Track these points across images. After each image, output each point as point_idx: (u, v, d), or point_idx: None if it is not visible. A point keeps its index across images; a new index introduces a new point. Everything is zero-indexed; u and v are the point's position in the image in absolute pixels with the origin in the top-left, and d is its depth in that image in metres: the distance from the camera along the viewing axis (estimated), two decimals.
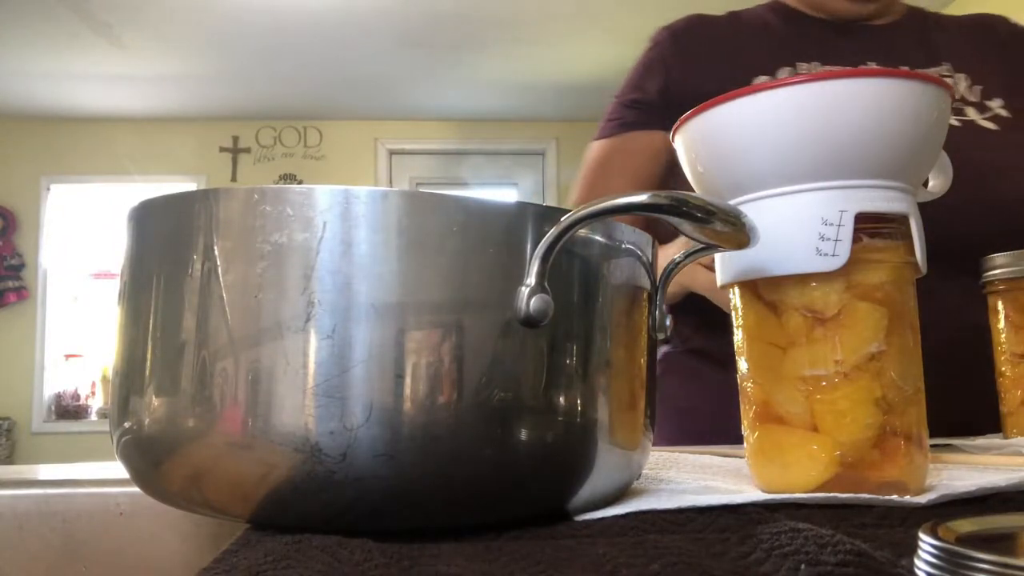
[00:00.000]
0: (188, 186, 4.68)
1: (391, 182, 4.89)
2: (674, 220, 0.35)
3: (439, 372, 0.32)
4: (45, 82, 4.24)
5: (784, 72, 0.91)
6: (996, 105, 0.89)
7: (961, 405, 0.67)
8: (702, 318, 0.84)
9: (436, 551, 0.31)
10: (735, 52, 0.95)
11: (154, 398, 0.35)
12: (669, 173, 0.95)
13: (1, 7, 3.40)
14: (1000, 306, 0.66)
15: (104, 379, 4.76)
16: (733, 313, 0.46)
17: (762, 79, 0.89)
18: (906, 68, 0.90)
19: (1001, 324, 0.66)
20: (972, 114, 0.88)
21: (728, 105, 0.43)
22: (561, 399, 0.35)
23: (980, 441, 0.60)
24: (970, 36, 0.96)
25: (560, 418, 0.35)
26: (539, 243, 0.34)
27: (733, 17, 1.01)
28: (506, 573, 0.28)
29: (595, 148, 1.01)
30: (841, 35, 0.93)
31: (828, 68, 0.90)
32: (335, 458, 0.31)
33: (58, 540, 0.58)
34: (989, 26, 0.98)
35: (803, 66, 0.90)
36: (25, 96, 4.41)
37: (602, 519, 0.37)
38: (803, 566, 0.27)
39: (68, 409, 4.74)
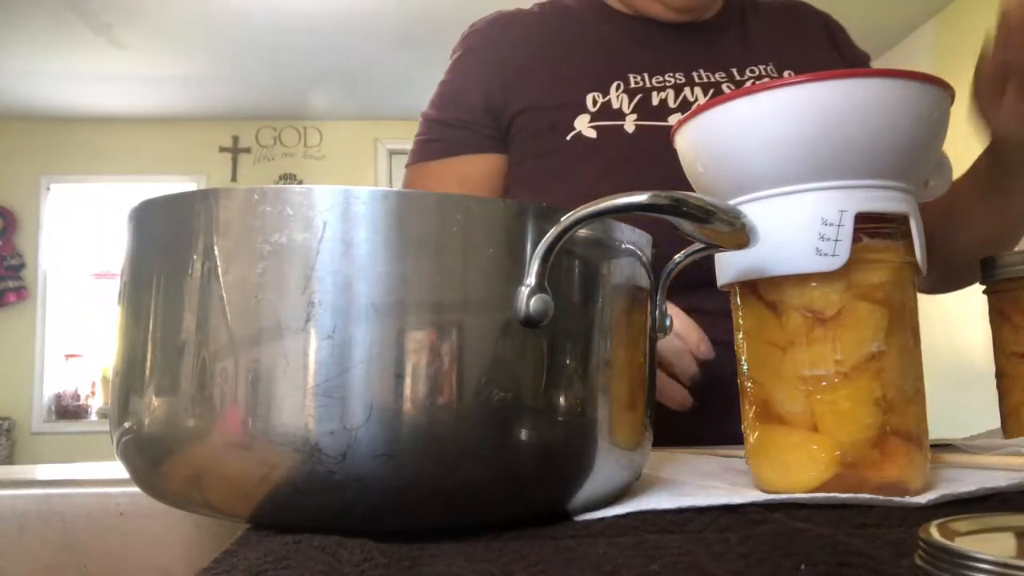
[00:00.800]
0: (188, 186, 4.68)
1: (391, 182, 4.89)
2: (674, 220, 0.35)
3: (439, 372, 0.32)
4: (45, 82, 4.24)
5: (614, 86, 0.85)
6: None
7: None
8: None
9: (436, 551, 0.31)
10: (559, 61, 0.88)
11: (154, 398, 0.35)
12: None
13: (1, 7, 3.40)
14: (1000, 306, 0.66)
15: (104, 379, 4.76)
16: (733, 313, 0.46)
17: (594, 95, 0.85)
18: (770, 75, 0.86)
19: (1001, 328, 0.66)
20: None
21: (728, 105, 0.43)
22: (561, 399, 0.35)
23: (980, 441, 0.60)
24: (786, 20, 0.94)
25: (560, 418, 0.35)
26: (539, 243, 0.34)
27: (544, 13, 0.93)
28: (506, 573, 0.28)
29: (414, 173, 0.91)
30: (666, 37, 0.88)
31: (657, 80, 0.85)
32: (335, 458, 0.31)
33: (58, 540, 0.58)
34: (800, 14, 0.96)
35: (633, 78, 0.86)
36: (25, 96, 4.41)
37: (602, 519, 0.37)
38: (803, 566, 0.27)
39: (68, 409, 4.74)
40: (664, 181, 0.68)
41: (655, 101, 0.85)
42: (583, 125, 0.84)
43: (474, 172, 0.89)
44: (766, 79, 0.87)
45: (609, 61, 0.87)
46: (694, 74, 0.87)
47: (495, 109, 0.88)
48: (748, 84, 0.86)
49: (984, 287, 0.68)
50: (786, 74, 0.88)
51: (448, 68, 0.94)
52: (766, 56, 0.89)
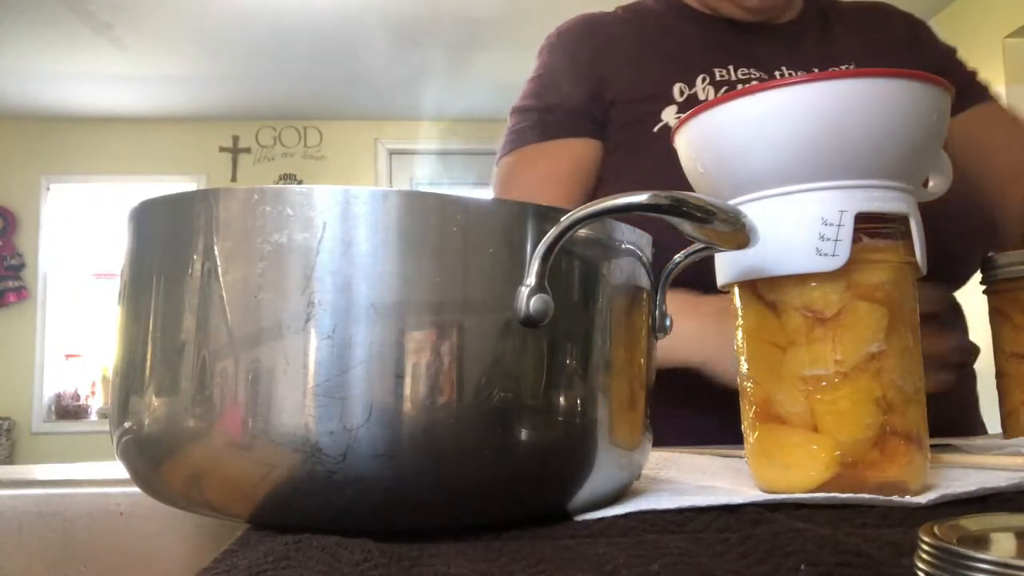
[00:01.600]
0: (188, 186, 4.68)
1: (391, 182, 4.89)
2: (674, 220, 0.35)
3: (439, 372, 0.32)
4: (45, 82, 4.24)
5: (700, 78, 0.86)
6: None
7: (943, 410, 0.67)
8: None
9: (436, 551, 0.31)
10: (645, 57, 0.90)
11: (154, 398, 0.35)
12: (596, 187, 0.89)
13: (1, 7, 3.40)
14: (1000, 306, 0.66)
15: (104, 379, 4.76)
16: (733, 313, 0.46)
17: (680, 86, 0.86)
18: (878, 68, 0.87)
19: (1003, 327, 0.66)
20: None
21: (728, 105, 0.43)
22: (561, 399, 0.35)
23: (980, 441, 0.60)
24: (869, 25, 0.95)
25: (560, 418, 0.35)
26: (539, 243, 0.34)
27: (629, 15, 0.95)
28: (506, 573, 0.28)
29: (508, 163, 0.90)
30: (747, 37, 0.90)
31: (743, 72, 0.86)
32: (335, 458, 0.31)
33: (58, 540, 0.58)
34: (884, 15, 0.96)
35: (718, 72, 0.87)
36: (25, 96, 4.41)
37: (602, 519, 0.37)
38: (803, 566, 0.27)
39: (68, 409, 4.74)
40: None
41: None
42: (670, 116, 0.85)
43: (571, 156, 0.88)
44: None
45: (693, 56, 0.89)
46: (776, 73, 0.87)
47: (589, 101, 0.88)
48: None
49: (984, 287, 0.68)
50: None
51: (537, 66, 0.94)
52: (849, 58, 0.90)
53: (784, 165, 0.42)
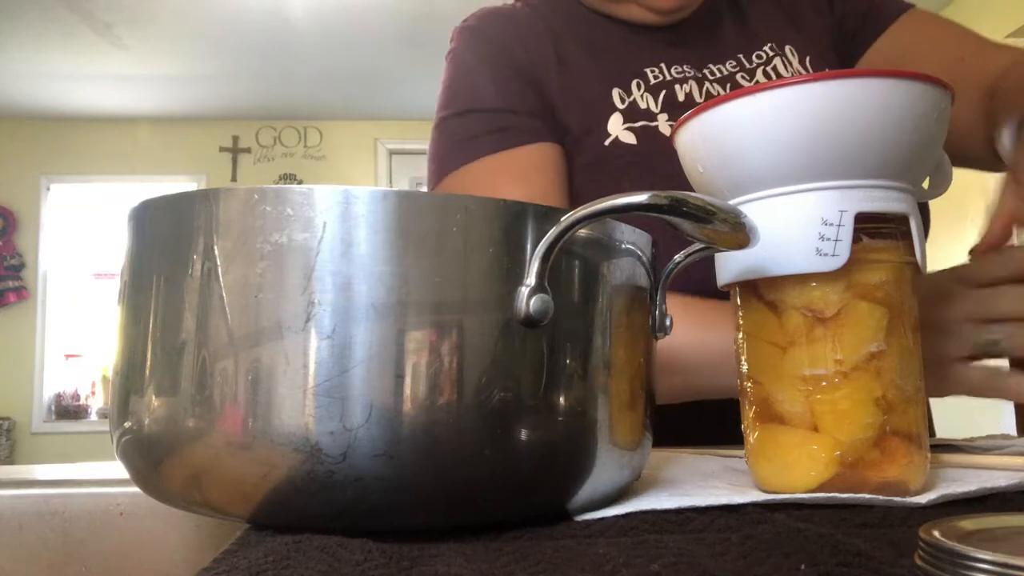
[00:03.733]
0: (188, 186, 4.68)
1: (391, 182, 4.90)
2: (674, 220, 0.35)
3: (439, 372, 0.32)
4: (45, 82, 4.24)
5: (635, 84, 0.80)
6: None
7: None
8: None
9: (436, 551, 0.31)
10: (570, 57, 0.81)
11: (154, 398, 0.35)
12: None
13: (2, 7, 3.40)
14: None
15: (104, 379, 4.76)
16: (733, 313, 0.46)
17: (619, 91, 0.79)
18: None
19: None
20: None
21: (728, 105, 0.43)
22: (561, 399, 0.35)
23: (981, 442, 0.60)
24: (776, 1, 0.91)
25: (560, 418, 0.35)
26: (539, 243, 0.34)
27: (536, 9, 0.86)
28: (506, 573, 0.28)
29: (457, 180, 0.76)
30: (667, 36, 0.84)
31: (676, 71, 0.81)
32: (335, 458, 0.31)
33: (58, 540, 0.58)
34: None
35: (652, 72, 0.81)
36: (25, 96, 4.41)
37: (602, 519, 0.37)
38: (803, 566, 0.27)
39: (68, 409, 4.74)
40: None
41: (680, 96, 0.80)
42: (618, 128, 0.78)
43: (539, 162, 0.76)
44: (776, 58, 0.84)
45: (620, 58, 0.82)
46: (705, 71, 0.83)
47: (541, 102, 0.79)
48: (758, 71, 0.83)
49: None
50: (787, 49, 0.85)
51: (449, 70, 0.84)
52: (766, 37, 0.86)
53: (784, 165, 0.42)
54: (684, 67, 0.82)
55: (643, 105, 0.80)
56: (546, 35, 0.83)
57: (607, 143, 0.77)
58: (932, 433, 0.87)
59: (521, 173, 0.76)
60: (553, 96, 0.80)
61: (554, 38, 0.83)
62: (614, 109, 0.79)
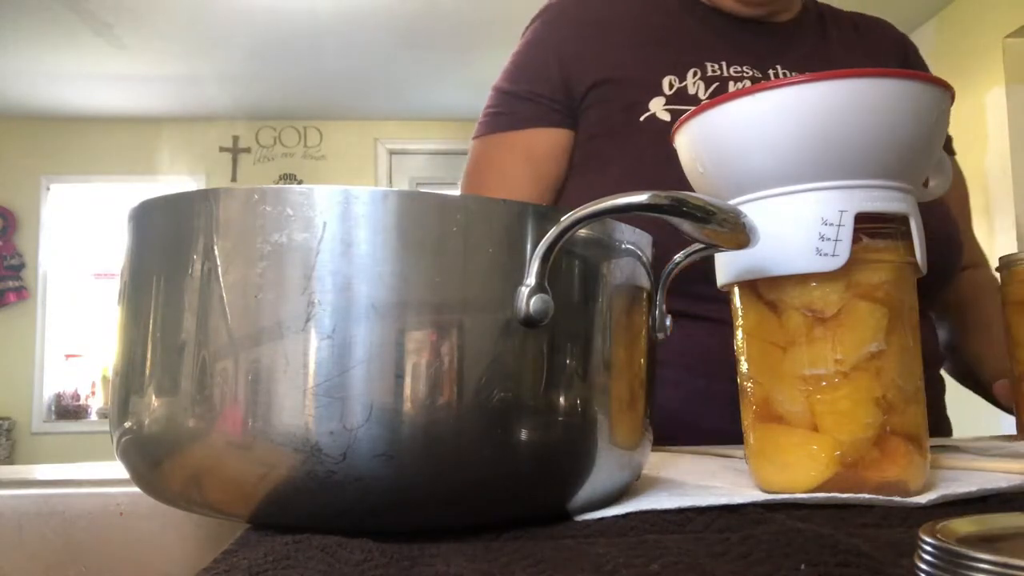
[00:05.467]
0: (188, 186, 4.68)
1: (391, 182, 4.89)
2: (674, 220, 0.35)
3: (439, 372, 0.32)
4: (45, 82, 4.24)
5: (691, 72, 0.84)
6: None
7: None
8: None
9: (436, 551, 0.31)
10: (638, 40, 0.88)
11: (154, 398, 0.35)
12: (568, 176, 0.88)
13: (1, 7, 3.40)
14: (1016, 306, 0.65)
15: (104, 379, 4.76)
16: (733, 313, 0.46)
17: (670, 78, 0.84)
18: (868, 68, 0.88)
19: (1017, 324, 0.65)
20: None
21: (728, 105, 0.43)
22: (561, 399, 0.35)
23: (982, 443, 0.60)
24: (863, 37, 0.95)
25: (560, 418, 0.35)
26: (539, 243, 0.34)
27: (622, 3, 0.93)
28: (506, 573, 0.28)
29: (482, 146, 0.91)
30: (744, 32, 0.88)
31: (735, 70, 0.85)
32: (335, 458, 0.31)
33: (58, 540, 0.58)
34: (879, 29, 0.97)
35: (711, 66, 0.85)
36: (25, 96, 4.41)
37: (602, 519, 0.37)
38: (803, 566, 0.27)
39: (68, 409, 4.74)
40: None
41: (731, 90, 0.83)
42: (658, 108, 0.83)
43: (542, 146, 0.87)
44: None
45: (687, 47, 0.87)
46: (771, 71, 0.86)
47: (569, 80, 0.87)
48: None
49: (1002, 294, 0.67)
50: None
51: (522, 41, 0.93)
52: (838, 63, 0.89)
53: (784, 165, 0.42)
54: (745, 67, 0.86)
55: (692, 91, 0.84)
56: (621, 19, 0.89)
57: (643, 118, 0.83)
58: (949, 431, 0.88)
59: (524, 152, 0.87)
60: (605, 72, 0.86)
61: (628, 22, 0.89)
62: (660, 93, 0.84)
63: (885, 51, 0.95)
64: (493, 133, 0.90)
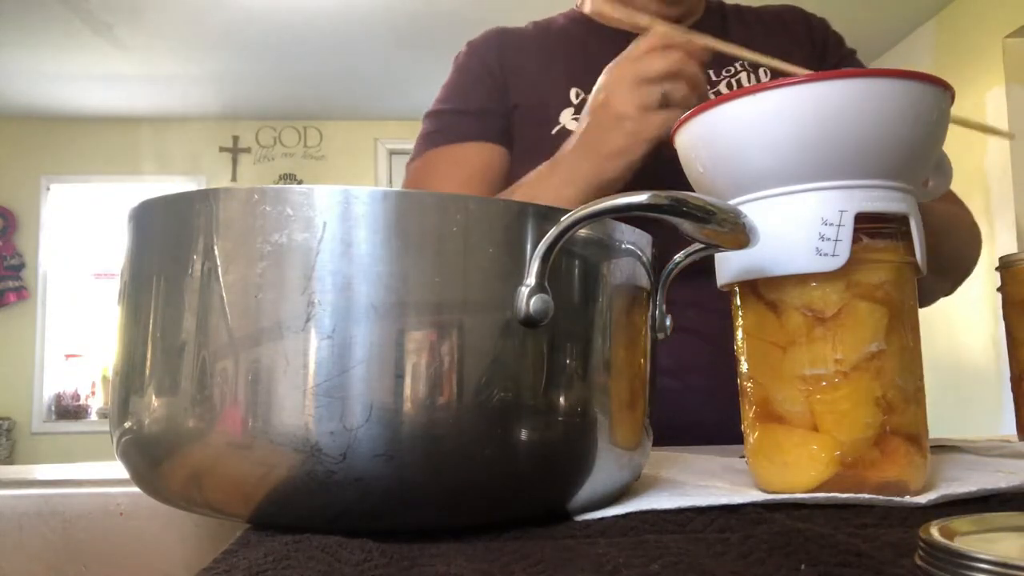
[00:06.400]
0: (188, 186, 4.68)
1: (391, 182, 4.89)
2: (674, 220, 0.35)
3: (439, 372, 0.32)
4: (45, 82, 4.24)
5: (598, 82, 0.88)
6: None
7: None
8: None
9: (436, 551, 0.31)
10: (547, 64, 0.92)
11: (154, 398, 0.35)
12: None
13: (1, 7, 3.40)
14: (1015, 305, 0.65)
15: (104, 379, 4.76)
16: (733, 313, 0.46)
17: (576, 90, 0.87)
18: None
19: (1017, 324, 0.65)
20: None
21: (728, 105, 0.43)
22: (561, 399, 0.35)
23: (982, 443, 0.60)
24: (770, 30, 0.95)
25: (560, 418, 0.35)
26: (539, 243, 0.34)
27: (539, 28, 0.98)
28: (506, 573, 0.28)
29: (418, 167, 0.93)
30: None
31: None
32: (335, 458, 0.31)
33: (58, 540, 0.58)
34: (784, 21, 0.97)
35: None
36: (25, 96, 4.41)
37: (602, 519, 0.37)
38: (803, 566, 0.27)
39: (68, 409, 4.74)
40: (636, 178, 0.68)
41: None
42: (567, 119, 0.87)
43: (479, 161, 0.89)
44: (742, 73, 0.89)
45: (592, 62, 0.88)
46: None
47: (496, 106, 0.91)
48: (722, 83, 0.89)
49: (1001, 288, 0.67)
50: (761, 71, 0.89)
51: (450, 74, 0.97)
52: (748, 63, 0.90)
53: (784, 165, 0.42)
54: None
55: None
56: (533, 49, 0.95)
57: (554, 131, 0.87)
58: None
59: (460, 166, 0.90)
60: (518, 98, 0.91)
61: (539, 51, 0.94)
62: (568, 104, 0.88)
63: (793, 39, 0.95)
64: (429, 150, 0.92)
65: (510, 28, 0.98)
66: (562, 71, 0.90)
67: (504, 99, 0.91)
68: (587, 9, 0.97)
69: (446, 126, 0.92)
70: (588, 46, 0.93)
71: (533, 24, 0.99)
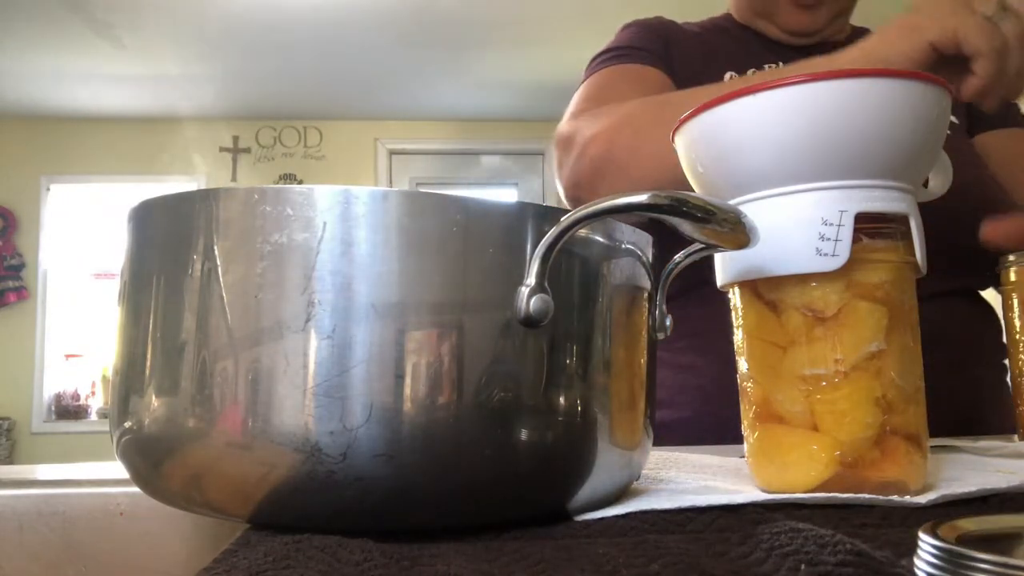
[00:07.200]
0: (188, 186, 4.68)
1: (391, 182, 4.89)
2: (674, 220, 0.35)
3: (439, 372, 0.32)
4: (45, 82, 4.24)
5: (750, 71, 0.91)
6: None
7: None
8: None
9: (436, 551, 0.31)
10: (701, 53, 0.96)
11: (154, 398, 0.35)
12: None
13: (1, 7, 3.40)
14: (1016, 304, 0.65)
15: (104, 379, 4.76)
16: (733, 313, 0.46)
17: (731, 73, 0.91)
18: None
19: (1018, 323, 0.65)
20: None
21: (728, 105, 0.43)
22: (561, 399, 0.35)
23: (983, 443, 0.60)
24: None
25: (560, 418, 0.35)
26: (539, 243, 0.34)
27: (692, 25, 1.02)
28: (506, 573, 0.28)
29: (598, 76, 0.95)
30: (797, 53, 0.93)
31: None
32: (335, 458, 0.31)
33: (58, 540, 0.58)
34: None
35: (768, 66, 0.91)
36: (25, 96, 4.41)
37: (602, 519, 0.37)
38: (803, 566, 0.27)
39: (68, 409, 4.74)
40: None
41: None
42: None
43: (660, 81, 0.91)
44: None
45: (747, 55, 0.94)
46: None
47: (671, 53, 0.95)
48: None
49: (999, 284, 0.67)
50: None
51: (618, 34, 1.00)
52: None
53: (784, 165, 0.42)
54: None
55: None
56: (689, 39, 0.99)
57: None
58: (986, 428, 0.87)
59: (637, 80, 0.91)
60: (676, 69, 0.94)
61: (696, 41, 0.98)
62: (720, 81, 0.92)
63: None
64: (604, 68, 0.94)
65: (666, 20, 1.02)
66: (717, 58, 0.94)
67: (670, 64, 0.93)
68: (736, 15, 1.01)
69: (622, 54, 0.94)
70: (743, 42, 0.97)
71: (685, 23, 1.03)
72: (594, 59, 0.98)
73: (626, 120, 0.79)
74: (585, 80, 0.96)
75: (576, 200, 0.82)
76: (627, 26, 1.01)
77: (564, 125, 0.88)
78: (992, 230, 0.72)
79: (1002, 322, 0.69)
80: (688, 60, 0.95)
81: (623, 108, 0.82)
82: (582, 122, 0.84)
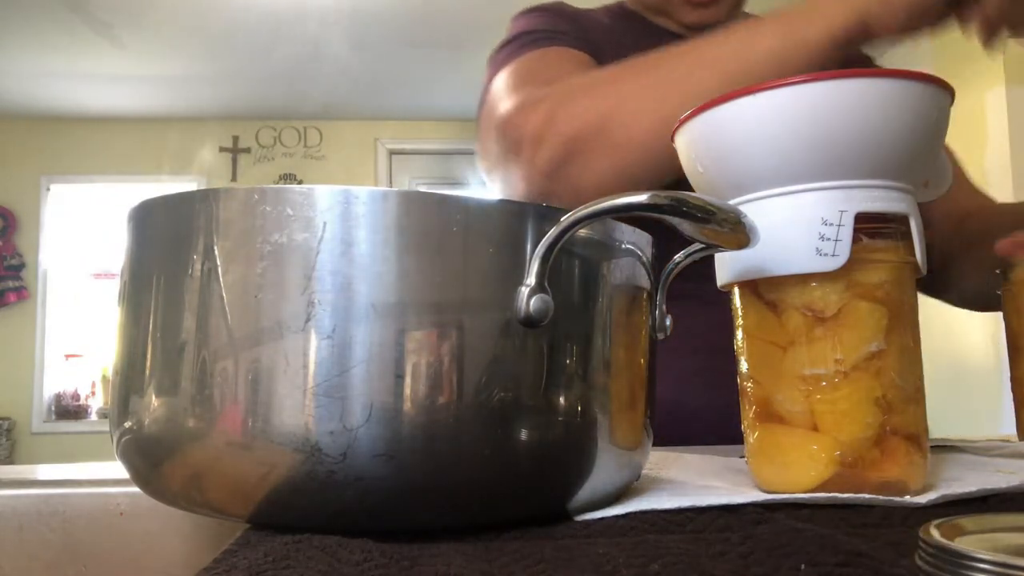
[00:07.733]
0: (188, 186, 4.68)
1: (391, 182, 4.89)
2: (674, 220, 0.35)
3: (439, 372, 0.32)
4: (45, 82, 4.24)
5: None
6: None
7: None
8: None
9: (436, 551, 0.31)
10: (618, 44, 0.90)
11: (154, 398, 0.35)
12: None
13: (2, 7, 3.40)
14: (1017, 305, 0.65)
15: (104, 379, 4.76)
16: (733, 313, 0.46)
17: None
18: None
19: (1018, 332, 0.65)
20: None
21: (728, 105, 0.43)
22: (561, 399, 0.35)
23: (982, 443, 0.60)
24: None
25: (560, 418, 0.35)
26: (539, 243, 0.34)
27: (594, 12, 0.97)
28: (506, 573, 0.28)
29: (525, 61, 0.85)
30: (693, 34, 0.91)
31: None
32: (335, 458, 0.31)
33: (58, 540, 0.58)
34: None
35: None
36: (25, 96, 4.41)
37: (602, 519, 0.37)
38: (803, 566, 0.27)
39: (68, 409, 4.73)
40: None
41: None
42: None
43: (577, 57, 0.85)
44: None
45: (644, 46, 0.91)
46: None
47: (581, 34, 0.90)
48: None
49: (1001, 290, 0.67)
50: None
51: (520, 19, 0.93)
52: None
53: (784, 165, 0.42)
54: None
55: None
56: (593, 27, 0.94)
57: None
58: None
59: (569, 60, 0.84)
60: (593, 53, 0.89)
61: (598, 30, 0.93)
62: None
63: None
64: (531, 50, 0.86)
65: (567, 5, 0.97)
66: (626, 45, 0.90)
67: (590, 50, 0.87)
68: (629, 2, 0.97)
69: (541, 37, 0.86)
70: (624, 40, 0.92)
71: (575, 10, 0.98)
72: (503, 46, 0.89)
73: (600, 90, 0.72)
74: (502, 69, 0.85)
75: (546, 193, 0.73)
76: (531, 10, 0.94)
77: (502, 114, 0.78)
78: (1007, 246, 0.71)
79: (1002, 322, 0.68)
80: (600, 48, 0.88)
81: (586, 79, 0.75)
82: (531, 107, 0.74)
